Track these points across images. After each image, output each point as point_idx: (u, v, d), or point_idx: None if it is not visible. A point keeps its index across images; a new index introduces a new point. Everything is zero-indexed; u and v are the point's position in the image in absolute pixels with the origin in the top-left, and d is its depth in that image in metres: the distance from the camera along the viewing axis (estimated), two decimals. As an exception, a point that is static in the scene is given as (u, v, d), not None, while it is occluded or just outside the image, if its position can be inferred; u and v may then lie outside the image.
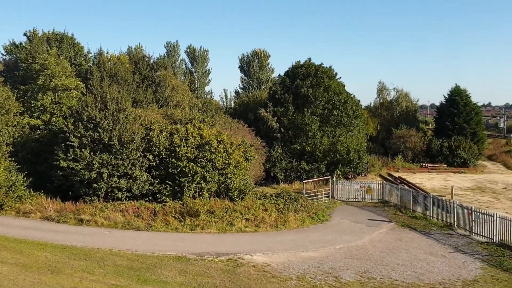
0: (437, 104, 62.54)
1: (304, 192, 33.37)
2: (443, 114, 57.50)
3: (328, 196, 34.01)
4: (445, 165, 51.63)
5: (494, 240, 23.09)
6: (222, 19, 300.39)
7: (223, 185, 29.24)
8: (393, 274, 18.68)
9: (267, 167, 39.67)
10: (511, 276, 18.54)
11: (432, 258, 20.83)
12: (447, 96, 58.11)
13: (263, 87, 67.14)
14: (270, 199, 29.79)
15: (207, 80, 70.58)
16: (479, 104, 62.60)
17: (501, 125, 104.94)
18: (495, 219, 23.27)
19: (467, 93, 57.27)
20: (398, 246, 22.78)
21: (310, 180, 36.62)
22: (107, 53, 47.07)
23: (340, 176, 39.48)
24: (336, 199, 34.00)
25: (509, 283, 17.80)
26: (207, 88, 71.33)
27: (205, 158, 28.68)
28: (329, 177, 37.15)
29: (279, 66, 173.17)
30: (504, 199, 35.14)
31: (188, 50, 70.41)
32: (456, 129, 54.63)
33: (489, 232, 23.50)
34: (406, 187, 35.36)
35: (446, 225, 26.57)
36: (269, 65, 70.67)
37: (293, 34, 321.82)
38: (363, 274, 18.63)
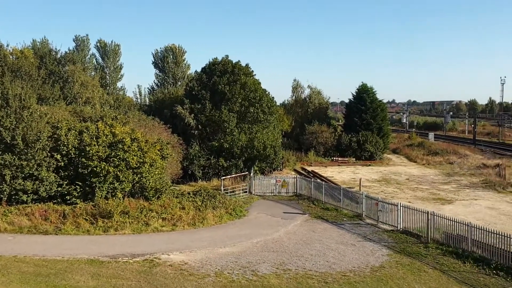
0: (346, 101, 65.60)
1: (222, 188, 33.50)
2: (352, 111, 60.52)
3: (246, 192, 34.46)
4: (354, 159, 54.51)
5: (399, 228, 24.79)
6: (136, 13, 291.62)
7: (138, 184, 28.44)
8: (307, 265, 19.39)
9: (185, 165, 39.25)
10: (414, 260, 20.04)
11: (343, 247, 21.92)
12: (355, 94, 61.20)
13: (179, 83, 66.34)
14: (187, 197, 29.53)
15: (119, 76, 68.32)
16: (384, 101, 66.70)
17: (404, 120, 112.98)
18: (399, 208, 25.00)
19: (373, 90, 60.73)
20: (312, 237, 23.67)
21: (228, 177, 36.85)
22: (8, 45, 43.74)
23: (257, 171, 40.17)
24: (254, 194, 34.53)
25: (411, 267, 19.23)
26: (119, 84, 69.23)
27: (118, 157, 27.68)
28: (247, 173, 37.63)
29: (195, 62, 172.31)
30: (407, 189, 37.81)
31: (99, 44, 67.59)
32: (363, 124, 57.76)
33: (394, 220, 25.20)
34: (319, 180, 36.83)
35: (356, 215, 28.06)
36: (185, 61, 70.02)
37: (210, 31, 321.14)
38: (279, 266, 19.13)
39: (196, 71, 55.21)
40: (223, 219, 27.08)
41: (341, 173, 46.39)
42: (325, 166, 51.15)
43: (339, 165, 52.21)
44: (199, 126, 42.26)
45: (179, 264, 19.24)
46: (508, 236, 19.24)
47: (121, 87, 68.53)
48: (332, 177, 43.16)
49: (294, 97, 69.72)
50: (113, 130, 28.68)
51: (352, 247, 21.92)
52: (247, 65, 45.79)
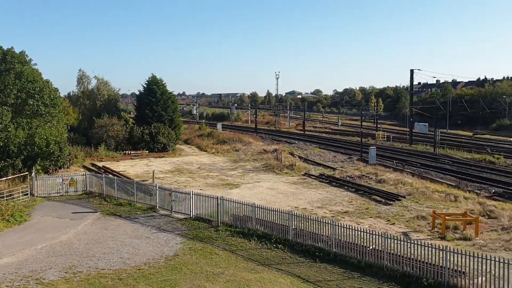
0: (138, 93, 64.57)
1: (-5, 192, 29.46)
2: (143, 103, 59.95)
3: (27, 194, 31.07)
4: (147, 151, 54.27)
5: (191, 216, 25.69)
6: None
7: None
8: (100, 264, 18.58)
9: None
10: (206, 245, 21.04)
11: (138, 241, 21.67)
12: (145, 86, 60.73)
13: None
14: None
15: None
16: (175, 93, 67.83)
17: (194, 112, 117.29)
18: (191, 196, 25.90)
19: (163, 82, 61.13)
20: (104, 235, 22.76)
21: (3, 179, 32.56)
22: None
23: (40, 171, 36.49)
24: (37, 196, 31.41)
25: (204, 251, 20.15)
26: None
27: None
28: (27, 173, 33.89)
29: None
30: (198, 177, 39.40)
31: None
32: (155, 116, 57.85)
33: (187, 208, 26.00)
34: (110, 175, 35.55)
35: (150, 208, 28.02)
36: None
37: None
38: (69, 270, 17.86)
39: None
40: (-1, 227, 23.90)
41: (134, 167, 45.68)
42: (117, 161, 49.64)
43: (132, 159, 51.29)
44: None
45: None
46: (284, 212, 21.82)
47: None
48: (125, 171, 42.18)
49: (81, 89, 65.45)
50: None
51: (147, 240, 21.85)
52: (22, 52, 40.96)
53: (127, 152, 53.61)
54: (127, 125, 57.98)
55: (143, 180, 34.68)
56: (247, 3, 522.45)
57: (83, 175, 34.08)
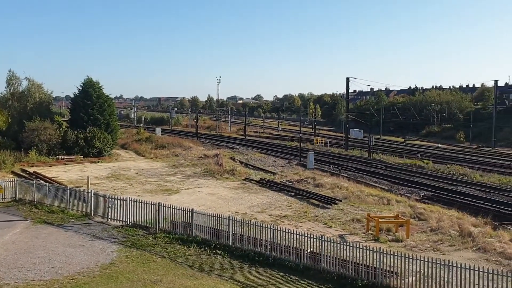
0: (72, 96, 62.00)
1: None
2: (78, 106, 57.70)
3: None
4: (82, 156, 52.23)
5: (128, 222, 24.99)
6: None
7: None
8: (30, 275, 17.62)
9: None
10: (143, 252, 20.54)
11: (71, 249, 20.78)
12: (80, 88, 58.52)
13: None
14: None
15: None
16: (112, 96, 65.97)
17: (132, 116, 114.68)
18: (128, 202, 25.21)
19: (99, 85, 59.09)
20: (35, 244, 21.62)
21: None
22: None
23: (-38, 177, 34.14)
24: (-42, 204, 29.31)
25: (141, 259, 19.66)
26: None
27: None
28: None
29: None
30: (136, 183, 38.43)
31: None
32: (90, 120, 55.84)
33: (124, 215, 25.27)
34: (42, 181, 33.91)
35: (84, 215, 26.96)
36: None
37: None
38: (-6, 283, 16.80)
39: None
40: None
41: (68, 172, 43.81)
42: (50, 166, 47.41)
43: (65, 164, 49.16)
44: None
45: None
46: (224, 217, 21.78)
47: None
48: (58, 177, 40.35)
49: (10, 90, 61.88)
50: None
51: (81, 248, 21.00)
52: None
53: (60, 157, 51.29)
54: (61, 129, 55.53)
55: (77, 186, 33.34)
56: (188, 7, 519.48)
57: (12, 181, 32.22)
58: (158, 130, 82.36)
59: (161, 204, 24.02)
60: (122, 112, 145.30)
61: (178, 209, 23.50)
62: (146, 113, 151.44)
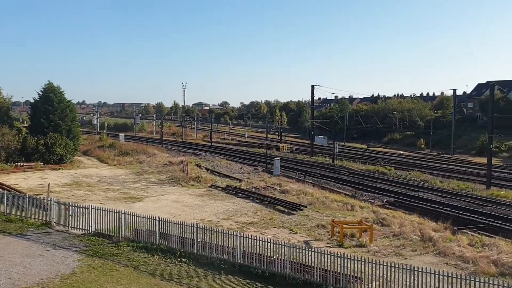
0: (32, 101, 60.18)
1: None
2: (38, 111, 56.07)
3: None
4: (42, 163, 50.67)
5: (90, 231, 24.36)
6: None
7: None
8: (-15, 287, 16.92)
9: None
10: (106, 261, 20.05)
11: (30, 260, 20.07)
12: (41, 93, 56.91)
13: None
14: None
15: None
16: (74, 101, 64.49)
17: (95, 122, 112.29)
18: (90, 210, 24.58)
19: (61, 90, 57.65)
20: (-9, 255, 20.77)
21: None
22: None
23: None
24: None
25: (103, 268, 19.18)
26: None
27: None
28: None
29: None
30: (98, 191, 37.56)
31: None
32: (51, 126, 54.34)
33: (86, 223, 24.62)
34: (0, 189, 32.64)
35: (44, 224, 26.11)
36: None
37: None
38: None
39: None
40: None
41: (27, 180, 42.39)
42: (8, 173, 45.73)
43: (24, 171, 47.56)
44: None
45: None
46: (189, 225, 21.56)
47: None
48: (17, 184, 38.98)
49: (-35, 95, 59.66)
50: None
51: (40, 258, 20.31)
52: None
53: (19, 164, 49.59)
54: (20, 135, 53.83)
55: (37, 194, 32.29)
56: (152, 12, 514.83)
57: (-34, 189, 30.92)
58: (121, 136, 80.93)
59: (124, 212, 23.54)
60: (84, 118, 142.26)
61: (142, 217, 23.09)
62: (109, 119, 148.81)
